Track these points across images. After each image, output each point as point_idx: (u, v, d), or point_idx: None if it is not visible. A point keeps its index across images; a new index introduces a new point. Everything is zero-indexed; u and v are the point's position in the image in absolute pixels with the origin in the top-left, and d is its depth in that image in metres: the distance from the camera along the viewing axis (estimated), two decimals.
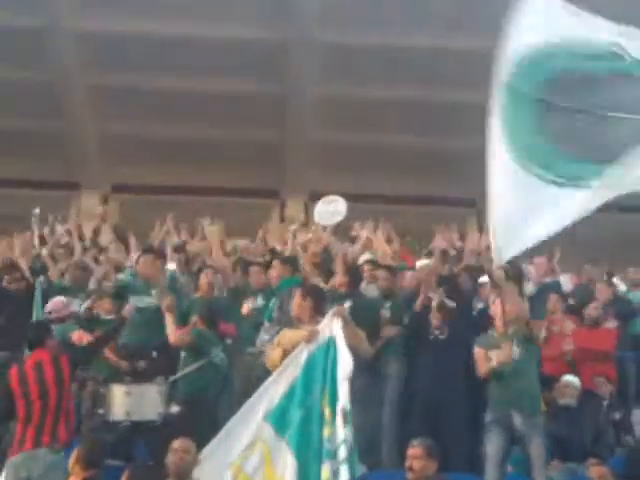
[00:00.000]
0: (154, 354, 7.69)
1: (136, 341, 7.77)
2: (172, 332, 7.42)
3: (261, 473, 5.98)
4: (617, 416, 8.52)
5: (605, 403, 8.48)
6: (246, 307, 8.52)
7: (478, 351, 6.89)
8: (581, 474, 7.01)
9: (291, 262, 8.95)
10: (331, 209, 10.69)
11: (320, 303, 6.79)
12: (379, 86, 14.33)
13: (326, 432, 5.90)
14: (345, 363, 6.15)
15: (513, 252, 5.92)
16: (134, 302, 8.10)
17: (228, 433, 6.13)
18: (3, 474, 6.29)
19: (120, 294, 8.39)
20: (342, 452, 5.77)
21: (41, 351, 6.63)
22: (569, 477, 7.22)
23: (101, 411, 6.85)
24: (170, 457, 5.75)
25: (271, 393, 6.18)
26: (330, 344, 6.29)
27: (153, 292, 8.27)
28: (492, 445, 6.60)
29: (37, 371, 6.46)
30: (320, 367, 6.22)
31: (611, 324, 9.29)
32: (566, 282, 10.53)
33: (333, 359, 6.21)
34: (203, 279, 8.77)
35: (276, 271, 8.65)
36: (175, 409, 7.06)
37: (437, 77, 13.83)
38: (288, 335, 6.61)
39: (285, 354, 6.38)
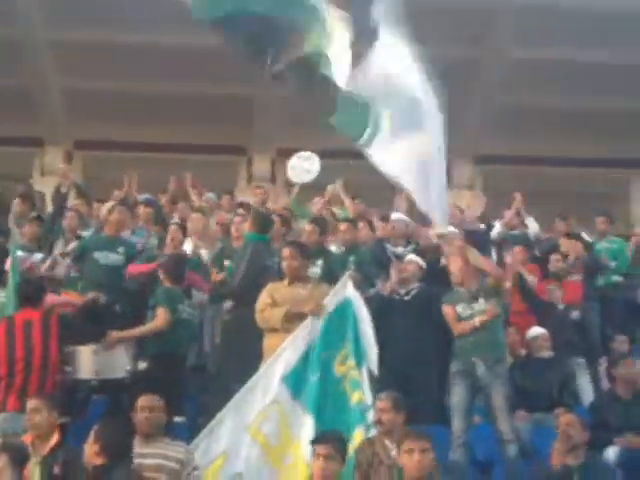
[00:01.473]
0: (117, 308, 7.64)
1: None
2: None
3: (278, 434, 6.06)
4: (575, 316, 8.80)
5: (560, 307, 8.82)
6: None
7: (447, 310, 6.95)
8: (548, 424, 7.09)
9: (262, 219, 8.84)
10: (306, 166, 10.50)
11: (309, 261, 6.95)
12: None
13: (355, 397, 6.00)
14: (369, 326, 6.26)
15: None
16: (98, 258, 8.04)
17: (245, 395, 6.18)
18: None
19: (81, 257, 8.29)
20: (370, 417, 5.90)
21: (32, 310, 6.56)
22: (536, 427, 7.30)
23: (69, 369, 6.75)
24: (136, 415, 5.71)
25: (288, 356, 6.25)
26: (346, 306, 6.37)
27: (119, 249, 8.19)
28: (456, 396, 6.70)
29: (25, 330, 6.38)
30: (337, 330, 6.33)
31: (576, 277, 9.40)
32: (532, 226, 10.63)
33: (353, 321, 6.31)
34: (168, 236, 8.75)
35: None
36: (143, 365, 7.03)
37: None
38: (283, 292, 6.61)
39: (287, 314, 6.40)
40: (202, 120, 15.36)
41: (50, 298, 7.27)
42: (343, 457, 5.20)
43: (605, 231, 10.65)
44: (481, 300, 6.81)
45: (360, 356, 6.22)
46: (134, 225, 9.69)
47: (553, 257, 9.44)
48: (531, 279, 8.93)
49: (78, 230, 9.60)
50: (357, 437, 5.87)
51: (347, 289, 6.53)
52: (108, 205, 8.93)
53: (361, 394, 6.07)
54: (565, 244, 9.83)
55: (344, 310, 6.40)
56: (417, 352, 7.71)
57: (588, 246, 10.15)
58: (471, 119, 15.20)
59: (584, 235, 10.62)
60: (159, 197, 11.44)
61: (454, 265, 7.00)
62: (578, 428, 6.07)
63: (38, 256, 8.66)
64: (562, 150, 15.82)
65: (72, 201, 10.60)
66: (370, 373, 6.20)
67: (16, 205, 10.07)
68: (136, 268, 8.35)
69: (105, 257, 8.10)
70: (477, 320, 6.72)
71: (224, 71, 14.22)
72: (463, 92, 13.51)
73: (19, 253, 8.24)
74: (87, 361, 6.80)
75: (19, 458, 4.79)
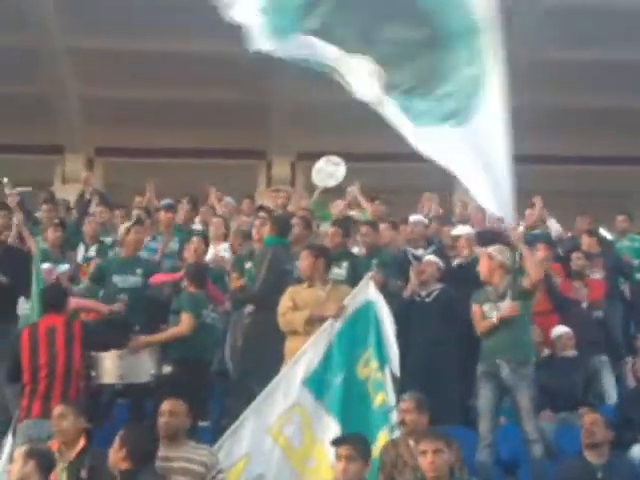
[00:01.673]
0: (137, 328, 7.66)
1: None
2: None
3: (300, 437, 6.08)
4: (599, 314, 8.78)
5: (584, 305, 8.79)
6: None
7: (474, 308, 6.87)
8: (572, 423, 7.08)
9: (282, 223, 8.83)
10: (330, 170, 10.50)
11: (329, 263, 6.91)
12: None
13: (379, 398, 6.01)
14: (391, 327, 6.24)
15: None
16: (117, 282, 8.04)
17: (266, 398, 6.20)
18: (9, 440, 6.21)
19: (100, 278, 8.33)
20: (394, 418, 5.89)
21: (55, 316, 6.57)
22: (561, 426, 7.28)
23: (93, 374, 6.80)
24: (159, 419, 5.74)
25: (309, 358, 6.25)
26: (369, 308, 6.36)
27: (138, 271, 8.19)
28: (482, 398, 6.64)
29: (49, 336, 6.39)
30: (359, 332, 6.32)
31: (598, 275, 9.37)
32: (554, 227, 10.59)
33: (375, 323, 6.30)
34: (190, 246, 8.71)
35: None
36: (167, 369, 7.06)
37: None
38: (303, 295, 6.63)
39: (309, 318, 6.42)
40: (221, 125, 15.41)
41: (74, 301, 7.34)
42: (366, 458, 5.13)
43: (626, 229, 10.62)
44: (507, 300, 6.75)
45: (383, 358, 6.21)
46: (154, 231, 9.74)
47: (575, 255, 9.39)
48: (554, 277, 8.90)
49: (99, 236, 9.68)
50: (381, 439, 5.86)
51: (369, 290, 6.54)
52: (125, 225, 8.95)
53: (384, 395, 6.07)
54: (586, 241, 9.80)
55: (366, 312, 6.39)
56: (439, 353, 7.71)
57: (608, 244, 10.09)
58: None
59: (603, 232, 10.59)
60: (180, 201, 11.44)
61: (482, 264, 6.95)
62: (602, 427, 6.05)
63: (63, 267, 8.72)
64: (582, 149, 15.74)
65: (94, 208, 10.69)
66: (392, 374, 6.20)
67: (43, 211, 10.16)
68: (158, 277, 8.35)
69: (124, 280, 8.08)
70: (495, 318, 6.68)
71: (243, 76, 14.31)
72: None
73: (45, 265, 8.29)
74: (112, 365, 6.86)
75: (46, 464, 4.82)
